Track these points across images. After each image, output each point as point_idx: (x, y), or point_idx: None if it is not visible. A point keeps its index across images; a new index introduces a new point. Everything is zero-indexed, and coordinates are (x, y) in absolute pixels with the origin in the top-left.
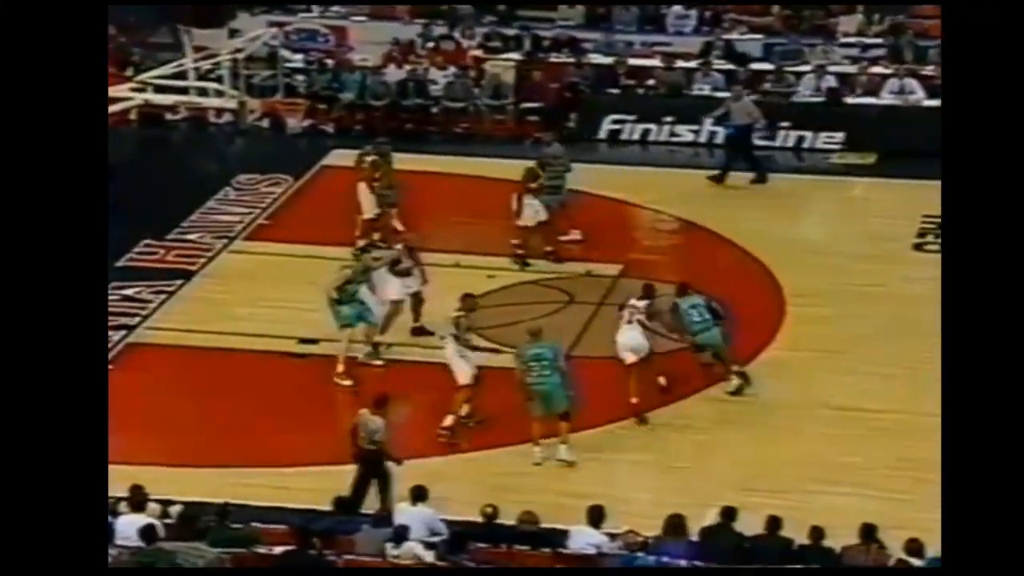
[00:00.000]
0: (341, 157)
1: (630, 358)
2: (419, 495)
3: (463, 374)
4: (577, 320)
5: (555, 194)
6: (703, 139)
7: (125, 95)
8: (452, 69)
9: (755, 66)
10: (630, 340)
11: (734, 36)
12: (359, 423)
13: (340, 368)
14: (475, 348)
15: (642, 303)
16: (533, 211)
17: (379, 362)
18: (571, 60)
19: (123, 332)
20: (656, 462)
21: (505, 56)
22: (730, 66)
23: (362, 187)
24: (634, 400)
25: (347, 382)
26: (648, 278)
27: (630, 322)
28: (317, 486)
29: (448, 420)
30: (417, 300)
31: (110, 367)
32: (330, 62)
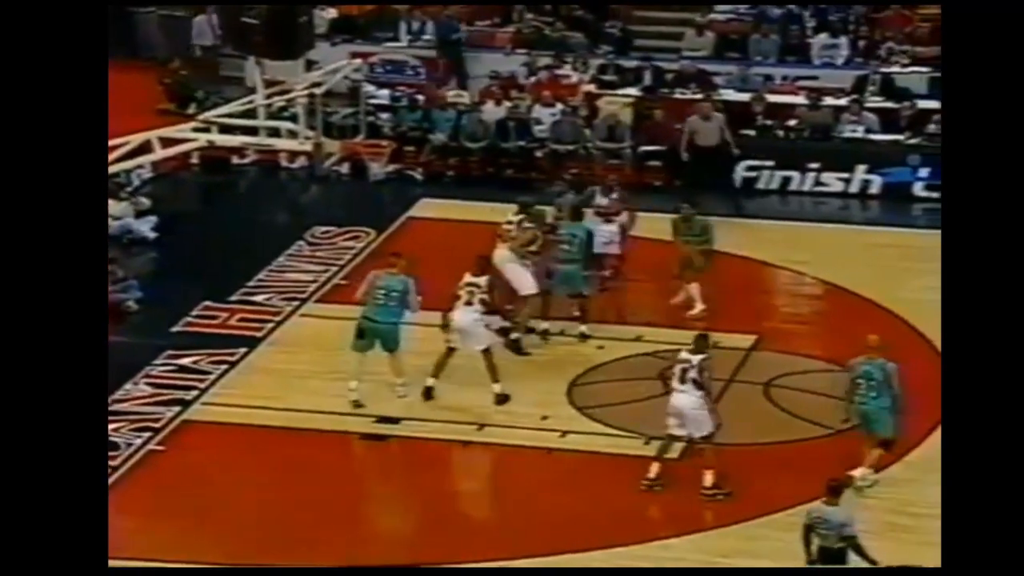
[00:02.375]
0: (430, 207)
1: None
2: None
3: (707, 425)
4: None
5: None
6: (854, 189)
7: (186, 136)
8: (560, 107)
9: (920, 104)
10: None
11: (893, 69)
12: (817, 518)
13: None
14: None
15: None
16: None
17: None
18: (699, 96)
19: (177, 408)
20: None
21: (622, 92)
22: (888, 104)
23: (512, 264)
24: None
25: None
26: (787, 350)
27: (469, 303)
28: None
29: (708, 478)
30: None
31: (161, 448)
32: (420, 99)
